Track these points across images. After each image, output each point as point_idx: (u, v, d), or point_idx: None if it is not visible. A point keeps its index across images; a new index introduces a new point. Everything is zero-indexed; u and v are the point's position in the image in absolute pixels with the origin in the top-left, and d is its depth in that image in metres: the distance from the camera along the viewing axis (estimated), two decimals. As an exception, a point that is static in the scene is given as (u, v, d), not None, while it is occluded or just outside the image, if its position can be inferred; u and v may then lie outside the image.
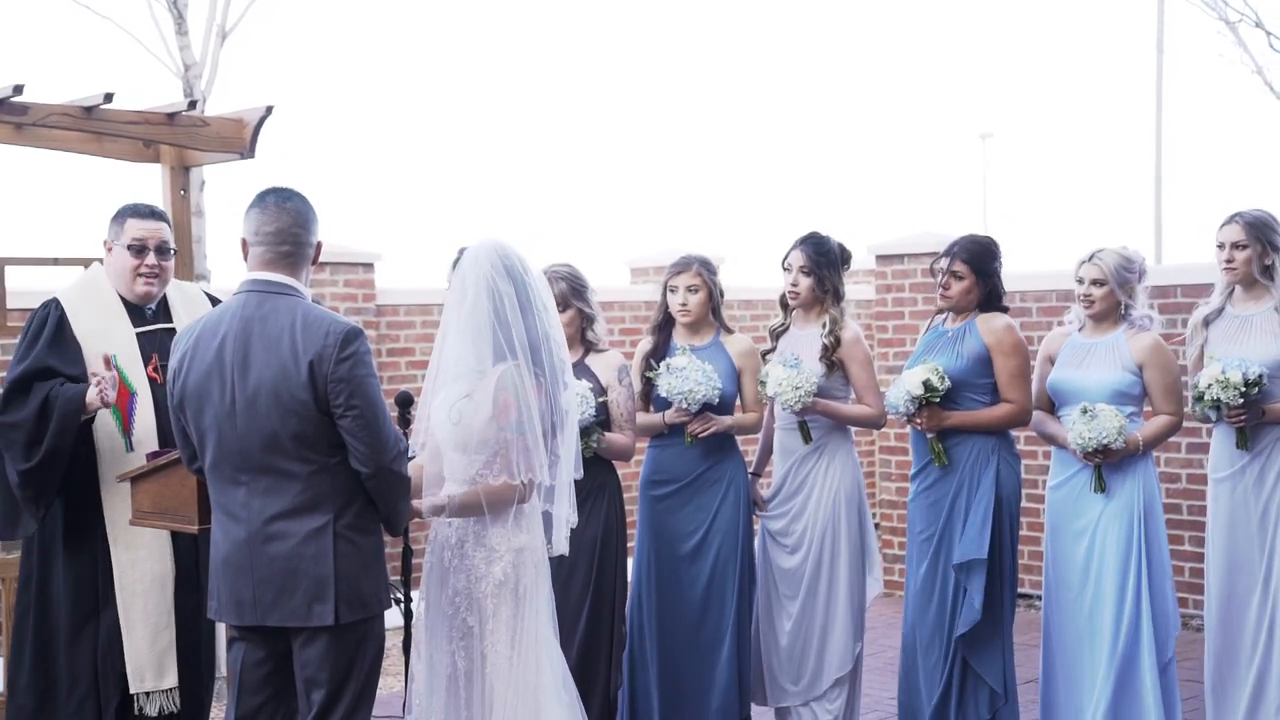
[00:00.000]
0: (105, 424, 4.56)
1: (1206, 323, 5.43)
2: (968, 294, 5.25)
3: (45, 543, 4.66)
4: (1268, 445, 5.25)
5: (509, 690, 3.91)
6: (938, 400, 5.14)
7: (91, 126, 5.44)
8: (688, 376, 5.12)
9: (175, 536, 4.58)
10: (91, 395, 4.41)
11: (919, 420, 5.19)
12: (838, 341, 5.32)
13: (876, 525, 8.08)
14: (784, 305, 5.51)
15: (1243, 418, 5.21)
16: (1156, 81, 23.28)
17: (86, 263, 5.64)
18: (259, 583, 3.70)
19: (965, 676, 5.20)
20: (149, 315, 4.74)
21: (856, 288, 9.85)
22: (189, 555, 4.59)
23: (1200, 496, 7.55)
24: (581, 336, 5.06)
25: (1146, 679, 5.02)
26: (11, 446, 4.50)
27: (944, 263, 5.29)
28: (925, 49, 53.44)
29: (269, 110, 5.65)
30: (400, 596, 4.36)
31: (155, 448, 4.48)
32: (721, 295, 5.39)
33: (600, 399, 4.95)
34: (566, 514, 4.06)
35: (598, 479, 4.92)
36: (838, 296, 5.39)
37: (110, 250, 4.70)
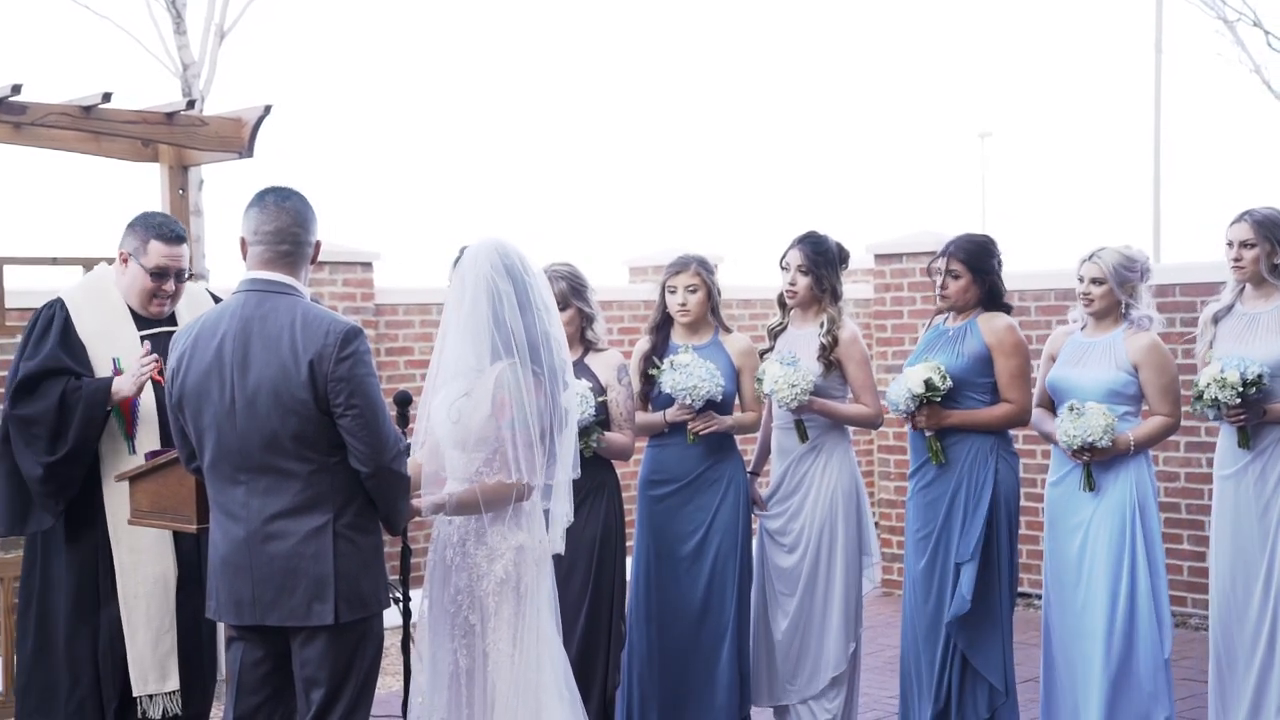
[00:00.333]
0: (108, 426, 4.57)
1: (1216, 319, 5.42)
2: (965, 293, 5.25)
3: (46, 542, 4.66)
4: (1269, 445, 5.25)
5: (510, 688, 3.91)
6: (939, 399, 5.14)
7: (90, 126, 5.45)
8: (692, 373, 5.12)
9: (178, 538, 4.58)
10: (123, 383, 4.40)
11: (919, 418, 5.19)
12: (835, 341, 5.32)
13: (876, 524, 8.09)
14: (782, 304, 5.51)
15: (1242, 417, 5.21)
16: (1155, 80, 23.27)
17: (85, 262, 5.66)
18: (258, 582, 3.70)
19: (964, 674, 5.21)
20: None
21: (855, 287, 9.85)
22: (191, 557, 4.59)
23: (1199, 495, 7.57)
24: (581, 336, 5.06)
25: (1141, 678, 5.02)
26: (34, 441, 4.50)
27: (940, 262, 5.29)
28: (924, 48, 53.47)
29: (267, 109, 5.65)
30: (399, 596, 4.36)
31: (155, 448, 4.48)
32: (719, 294, 5.39)
33: (600, 398, 4.95)
34: (564, 512, 4.06)
35: (597, 478, 4.92)
36: (835, 296, 5.40)
37: (126, 263, 4.65)
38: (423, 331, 8.32)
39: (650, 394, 5.31)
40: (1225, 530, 5.38)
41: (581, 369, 4.94)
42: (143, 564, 4.58)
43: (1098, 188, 47.82)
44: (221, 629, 4.59)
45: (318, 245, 3.92)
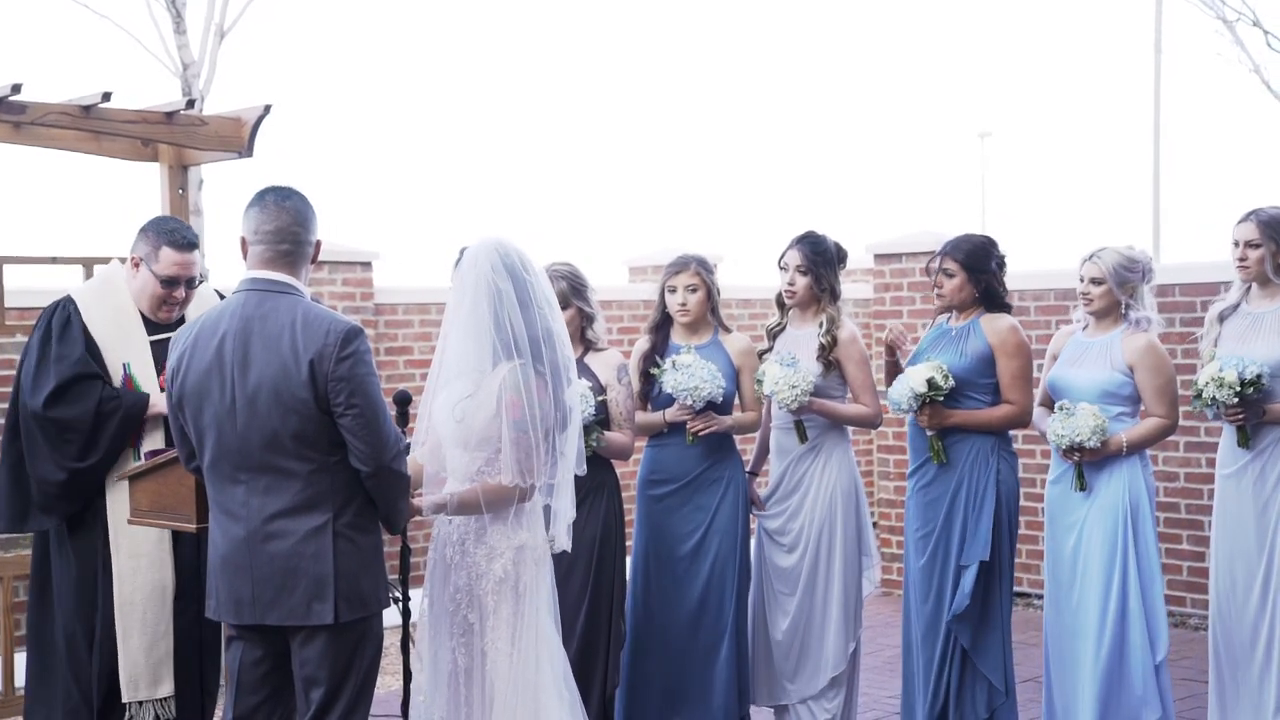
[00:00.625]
0: None
1: (1222, 318, 5.42)
2: (959, 291, 5.26)
3: (50, 542, 4.68)
4: (1269, 445, 5.25)
5: (509, 687, 3.91)
6: (941, 399, 5.14)
7: (90, 125, 5.44)
8: (694, 373, 5.12)
9: (177, 546, 4.58)
10: (163, 400, 4.40)
11: (921, 417, 5.19)
12: (834, 341, 5.32)
13: (875, 524, 8.08)
14: (781, 304, 5.51)
15: (1240, 416, 5.21)
16: (1155, 80, 23.29)
17: (85, 261, 5.66)
18: (258, 581, 3.70)
19: (964, 673, 5.21)
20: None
21: (855, 286, 9.85)
22: (191, 565, 4.57)
23: (1199, 495, 7.57)
24: (581, 335, 5.06)
25: (1135, 679, 5.03)
26: (64, 445, 4.50)
27: (936, 261, 5.30)
28: (924, 48, 53.46)
29: (267, 109, 5.65)
30: (399, 595, 4.36)
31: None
32: (719, 294, 5.39)
33: (599, 398, 4.95)
34: (565, 508, 4.06)
35: (597, 478, 4.92)
36: (834, 295, 5.40)
37: (137, 268, 4.65)
38: (422, 331, 8.32)
39: (650, 394, 5.31)
40: (1225, 528, 5.38)
41: (581, 368, 4.94)
42: (141, 570, 4.57)
43: (1098, 188, 47.86)
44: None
45: (318, 245, 3.92)
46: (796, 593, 5.38)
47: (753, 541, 5.51)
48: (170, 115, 5.58)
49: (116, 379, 4.60)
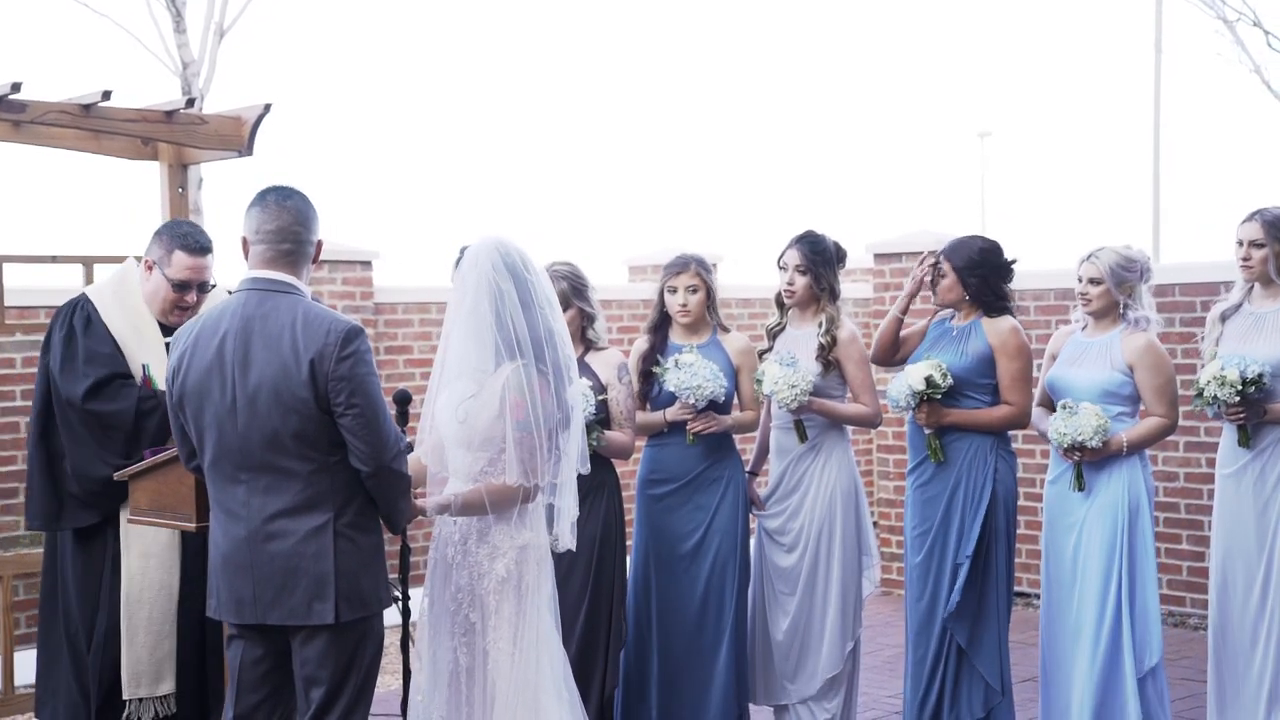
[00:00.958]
0: None
1: (1224, 318, 5.42)
2: (949, 291, 5.28)
3: (62, 538, 4.72)
4: (1269, 444, 5.25)
5: (510, 687, 3.91)
6: (939, 397, 5.15)
7: (90, 124, 5.44)
8: (697, 373, 5.12)
9: (185, 547, 4.59)
10: None
11: (919, 415, 5.20)
12: (834, 341, 5.32)
13: (875, 523, 8.08)
14: (780, 304, 5.51)
15: (1242, 416, 5.21)
16: (1155, 80, 23.29)
17: (85, 261, 5.67)
18: (259, 581, 3.70)
19: (960, 672, 5.21)
20: None
21: (854, 286, 9.86)
22: (196, 565, 4.58)
23: (1199, 495, 7.57)
24: (582, 335, 5.06)
25: (1128, 680, 5.03)
26: (109, 442, 4.54)
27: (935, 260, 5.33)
28: (924, 47, 53.46)
29: (267, 108, 5.65)
30: (398, 595, 4.36)
31: None
32: (717, 294, 5.39)
33: (600, 397, 4.95)
34: (570, 507, 4.06)
35: (597, 477, 4.91)
36: (834, 295, 5.40)
37: (150, 271, 4.68)
38: (422, 330, 8.32)
39: (649, 394, 5.31)
40: (1225, 527, 5.38)
41: (582, 368, 4.94)
42: (151, 569, 4.61)
43: (1098, 188, 47.84)
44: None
45: (319, 244, 3.91)
46: (796, 592, 5.38)
47: (752, 541, 5.52)
48: (170, 114, 5.58)
49: (136, 379, 4.64)
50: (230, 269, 4.85)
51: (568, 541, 4.07)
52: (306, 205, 3.87)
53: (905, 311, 5.41)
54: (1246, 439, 5.25)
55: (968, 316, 5.31)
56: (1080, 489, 5.12)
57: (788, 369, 5.20)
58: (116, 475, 4.41)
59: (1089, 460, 5.09)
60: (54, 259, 5.83)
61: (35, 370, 6.76)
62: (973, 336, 5.24)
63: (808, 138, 48.59)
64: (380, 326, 8.18)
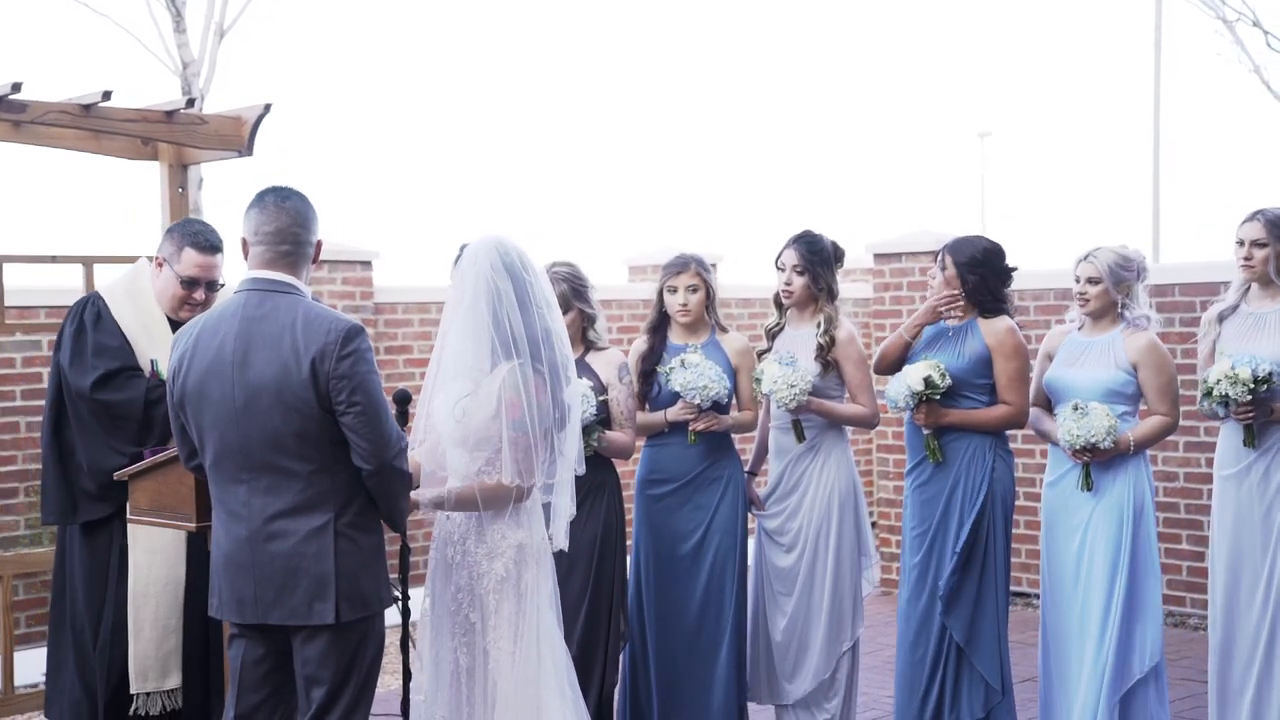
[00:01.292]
0: None
1: (1221, 318, 5.42)
2: (946, 286, 5.27)
3: (71, 533, 4.76)
4: (1275, 444, 5.25)
5: (511, 686, 3.91)
6: (938, 397, 5.15)
7: (90, 124, 5.45)
8: (703, 373, 5.12)
9: (191, 543, 4.61)
10: None
11: (918, 416, 5.20)
12: (833, 341, 5.32)
13: (874, 524, 8.07)
14: (778, 304, 5.51)
15: (1250, 415, 5.21)
16: (1154, 80, 23.29)
17: (85, 260, 5.67)
18: (260, 581, 3.70)
19: (959, 672, 5.21)
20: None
21: (854, 286, 9.86)
22: (202, 562, 4.60)
23: (1198, 495, 7.57)
24: (582, 336, 5.06)
25: (1130, 680, 5.03)
26: (118, 432, 4.59)
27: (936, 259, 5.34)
28: (923, 47, 53.43)
29: (267, 108, 5.65)
30: (399, 594, 4.36)
31: None
32: (716, 294, 5.39)
33: (600, 397, 4.95)
34: (565, 506, 4.06)
35: (597, 477, 4.92)
36: (832, 295, 5.40)
37: (160, 268, 4.74)
38: (422, 330, 8.32)
39: (648, 394, 5.31)
40: (1226, 530, 5.37)
41: (583, 368, 4.94)
42: (157, 564, 4.64)
43: (1097, 188, 47.81)
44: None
45: (319, 244, 3.91)
46: (795, 592, 5.38)
47: (752, 541, 5.52)
48: (170, 114, 5.58)
49: (145, 374, 4.69)
50: (229, 267, 4.87)
51: (561, 541, 4.07)
52: (305, 205, 3.87)
53: (915, 336, 5.35)
54: (1253, 439, 5.25)
55: (965, 317, 5.30)
56: (1088, 488, 5.12)
57: (787, 368, 5.20)
58: (116, 475, 4.42)
59: (1097, 461, 5.09)
60: (54, 259, 5.83)
61: (35, 370, 6.82)
62: (969, 337, 5.24)
63: (807, 138, 48.58)
64: (380, 326, 8.18)
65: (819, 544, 5.36)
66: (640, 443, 5.34)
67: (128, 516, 4.35)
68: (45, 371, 6.74)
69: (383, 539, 3.85)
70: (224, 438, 3.71)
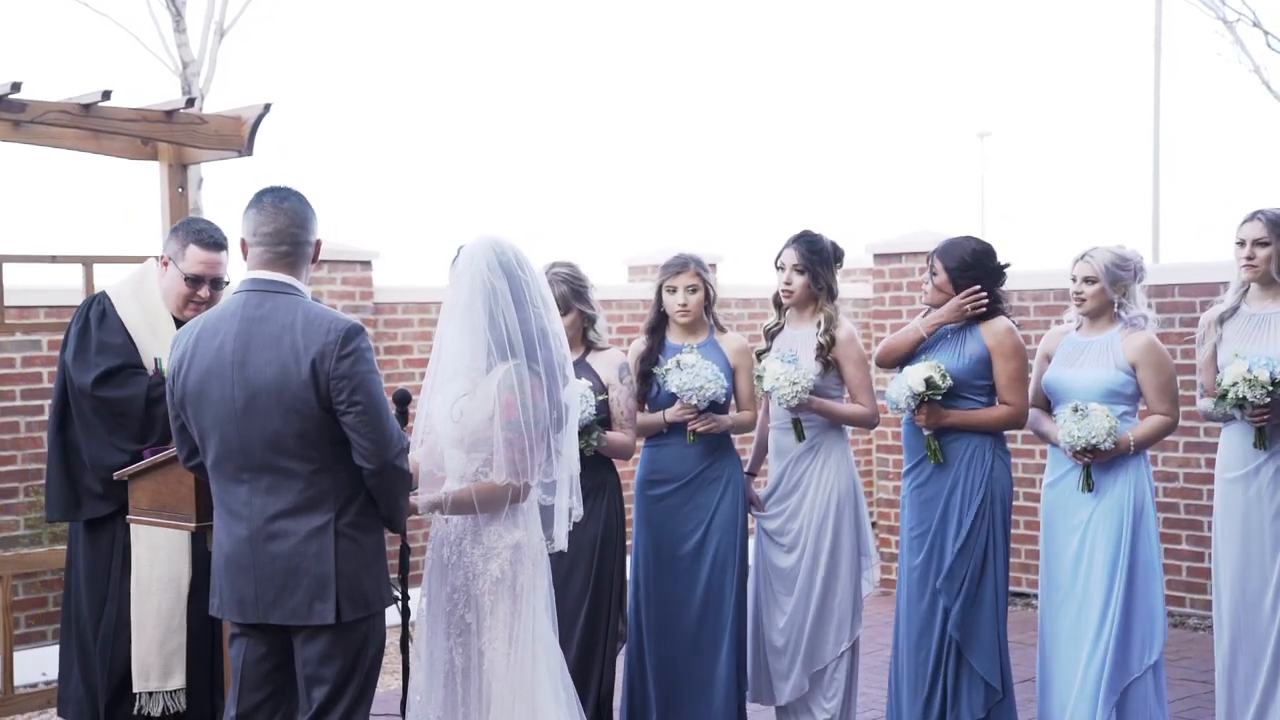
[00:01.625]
0: None
1: (1221, 320, 5.41)
2: (939, 292, 5.27)
3: (77, 530, 4.79)
4: None
5: (506, 688, 3.90)
6: (939, 398, 5.14)
7: (89, 124, 5.45)
8: (699, 373, 5.12)
9: (195, 540, 4.62)
10: None
11: (918, 417, 5.20)
12: (833, 341, 5.32)
13: (874, 524, 8.07)
14: (778, 304, 5.51)
15: (1266, 417, 5.20)
16: (1154, 80, 23.29)
17: (85, 260, 5.67)
18: (260, 581, 3.70)
19: (959, 673, 5.21)
20: None
21: (854, 286, 9.86)
22: (206, 562, 4.61)
23: (1198, 496, 7.57)
24: (583, 336, 5.06)
25: (1129, 680, 5.02)
26: (120, 429, 4.60)
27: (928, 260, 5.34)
28: (923, 48, 53.44)
29: (267, 108, 5.65)
30: (398, 594, 4.36)
31: None
32: (715, 294, 5.39)
33: (601, 397, 4.95)
34: (568, 506, 4.05)
35: (598, 477, 4.92)
36: (831, 294, 5.40)
37: (166, 266, 4.76)
38: (421, 330, 8.32)
39: (647, 394, 5.31)
40: (1234, 532, 5.33)
41: (583, 368, 4.94)
42: (159, 562, 4.65)
43: (1097, 188, 47.81)
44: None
45: (318, 244, 3.91)
46: (794, 593, 5.38)
47: (751, 541, 5.52)
48: (170, 114, 5.58)
49: (149, 372, 4.71)
50: (234, 269, 4.89)
51: (562, 543, 4.07)
52: (304, 206, 3.87)
53: (932, 333, 5.30)
54: (1264, 441, 5.23)
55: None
56: (1089, 489, 5.11)
57: (789, 366, 5.20)
58: (116, 475, 4.43)
59: (1098, 461, 5.08)
60: (54, 259, 5.84)
61: (35, 370, 6.83)
62: (969, 338, 5.24)
63: (807, 138, 48.60)
64: (380, 326, 8.18)
65: (819, 544, 5.36)
66: (640, 443, 5.34)
67: (128, 516, 4.35)
68: (45, 371, 6.75)
69: (383, 539, 3.85)
70: (224, 438, 3.71)
